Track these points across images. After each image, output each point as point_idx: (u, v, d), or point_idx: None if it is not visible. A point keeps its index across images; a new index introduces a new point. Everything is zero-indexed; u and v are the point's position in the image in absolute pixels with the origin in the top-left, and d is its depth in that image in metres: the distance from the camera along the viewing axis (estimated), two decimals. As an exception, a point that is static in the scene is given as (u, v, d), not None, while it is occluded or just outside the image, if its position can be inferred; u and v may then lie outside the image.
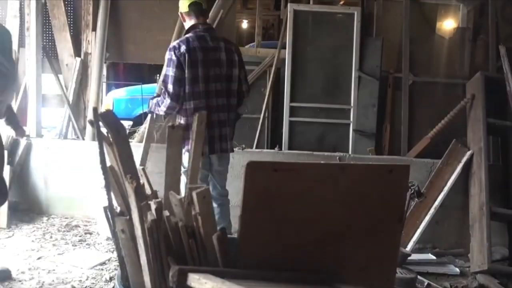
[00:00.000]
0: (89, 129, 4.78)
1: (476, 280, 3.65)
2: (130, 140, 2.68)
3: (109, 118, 1.99)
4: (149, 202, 1.86)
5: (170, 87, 3.16)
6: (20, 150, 4.52)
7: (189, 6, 3.26)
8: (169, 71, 3.17)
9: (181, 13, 3.35)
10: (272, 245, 1.80)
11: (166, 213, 1.87)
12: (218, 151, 3.31)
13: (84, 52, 4.88)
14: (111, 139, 1.99)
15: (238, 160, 4.34)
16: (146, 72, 8.87)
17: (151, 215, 1.78)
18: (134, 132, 4.99)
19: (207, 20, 3.41)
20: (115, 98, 7.83)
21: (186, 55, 3.13)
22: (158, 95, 3.38)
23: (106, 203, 1.98)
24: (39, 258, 3.58)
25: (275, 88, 4.84)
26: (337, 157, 4.37)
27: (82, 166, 4.46)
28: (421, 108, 4.77)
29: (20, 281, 3.19)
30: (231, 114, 3.36)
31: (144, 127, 4.65)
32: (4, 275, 3.17)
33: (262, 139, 4.82)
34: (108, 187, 1.99)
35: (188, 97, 3.18)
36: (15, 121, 3.38)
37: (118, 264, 2.03)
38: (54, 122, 5.32)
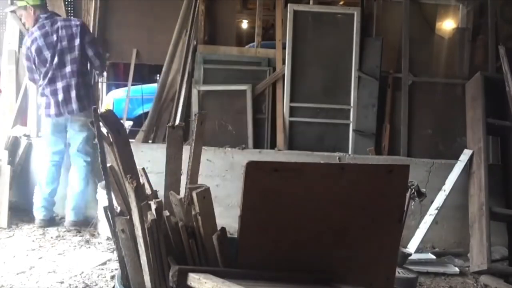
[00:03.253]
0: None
1: (479, 281, 3.66)
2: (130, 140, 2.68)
3: (109, 118, 1.99)
4: (149, 202, 1.86)
5: (28, 75, 4.29)
6: (20, 150, 4.52)
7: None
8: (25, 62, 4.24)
9: (28, 7, 4.16)
10: (272, 245, 1.80)
11: (166, 213, 1.87)
12: (65, 113, 4.08)
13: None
14: (111, 139, 2.00)
15: (238, 160, 4.35)
16: (146, 72, 8.87)
17: (151, 215, 1.79)
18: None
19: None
20: (115, 98, 7.82)
21: (32, 46, 4.05)
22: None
23: (106, 203, 1.99)
24: (39, 258, 3.58)
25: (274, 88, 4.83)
26: (337, 157, 4.37)
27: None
28: (421, 108, 4.76)
29: (20, 281, 3.19)
30: (79, 79, 4.10)
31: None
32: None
33: (262, 139, 4.82)
34: (108, 187, 1.99)
35: (42, 77, 4.12)
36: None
37: (118, 264, 2.03)
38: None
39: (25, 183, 4.57)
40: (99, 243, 3.94)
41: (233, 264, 1.78)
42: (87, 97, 4.18)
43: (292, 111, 4.76)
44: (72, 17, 4.31)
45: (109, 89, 7.44)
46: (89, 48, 4.14)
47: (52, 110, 4.12)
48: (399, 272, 2.91)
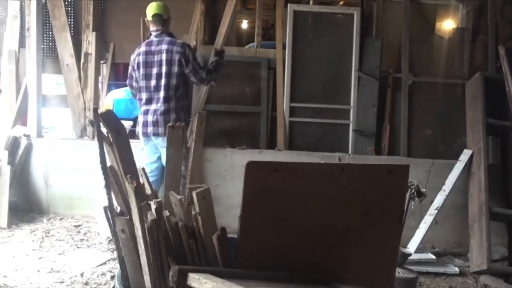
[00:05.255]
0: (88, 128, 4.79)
1: (479, 281, 3.66)
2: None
3: (109, 118, 1.99)
4: (149, 202, 1.86)
5: (127, 80, 4.17)
6: (20, 150, 4.53)
7: (152, 16, 4.00)
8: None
9: (146, 20, 4.08)
10: (272, 245, 1.80)
11: (166, 213, 1.87)
12: (150, 134, 3.94)
13: (84, 52, 4.89)
14: (111, 139, 2.00)
15: (238, 160, 4.35)
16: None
17: (151, 215, 1.79)
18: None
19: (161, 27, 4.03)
20: (115, 98, 7.82)
21: (136, 58, 4.00)
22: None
23: (106, 203, 1.99)
24: (39, 258, 3.58)
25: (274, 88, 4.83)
26: (337, 157, 4.37)
27: (82, 166, 4.46)
28: (421, 108, 4.76)
29: (20, 281, 3.19)
30: (172, 104, 3.92)
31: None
32: None
33: (262, 139, 4.82)
34: (108, 187, 1.99)
35: (139, 90, 4.02)
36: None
37: (118, 264, 2.03)
38: (54, 122, 5.33)
39: (25, 183, 4.58)
40: (99, 243, 3.94)
41: (233, 264, 1.78)
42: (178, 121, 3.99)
43: (292, 111, 4.76)
44: (177, 40, 3.99)
45: (109, 89, 7.44)
46: (191, 76, 3.96)
47: (140, 129, 3.99)
48: (399, 272, 2.91)
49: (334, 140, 4.80)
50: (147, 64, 3.93)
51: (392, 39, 4.88)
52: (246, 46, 6.14)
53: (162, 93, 3.89)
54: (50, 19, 4.89)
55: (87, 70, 4.87)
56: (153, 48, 3.93)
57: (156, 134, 3.90)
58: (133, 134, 4.84)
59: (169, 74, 3.88)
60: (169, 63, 3.87)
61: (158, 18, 3.98)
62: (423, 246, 4.15)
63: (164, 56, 3.88)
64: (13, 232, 4.06)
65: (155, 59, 3.91)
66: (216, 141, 4.60)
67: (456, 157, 4.25)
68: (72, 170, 4.53)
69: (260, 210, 1.77)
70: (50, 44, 5.03)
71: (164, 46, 3.90)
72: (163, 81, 3.88)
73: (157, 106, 3.91)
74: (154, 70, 3.91)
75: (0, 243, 3.83)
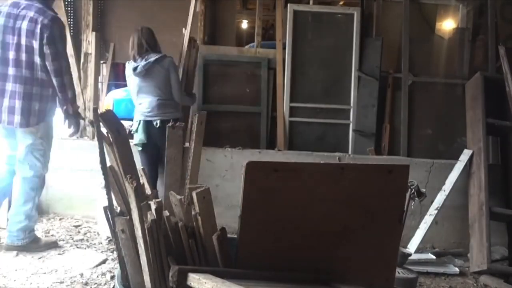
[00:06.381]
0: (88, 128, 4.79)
1: (479, 281, 3.66)
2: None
3: (109, 118, 2.00)
4: (149, 202, 1.86)
5: None
6: (20, 150, 4.52)
7: None
8: None
9: None
10: (272, 245, 1.80)
11: (166, 213, 1.87)
12: (4, 122, 3.28)
13: (84, 52, 4.89)
14: (111, 139, 2.00)
15: (238, 160, 4.35)
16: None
17: (151, 215, 1.79)
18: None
19: None
20: (115, 98, 7.83)
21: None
22: None
23: (106, 203, 1.99)
24: (39, 258, 3.57)
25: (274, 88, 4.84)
26: (337, 157, 4.37)
27: (82, 166, 4.46)
28: (421, 108, 4.77)
29: (20, 281, 3.19)
30: (29, 88, 3.24)
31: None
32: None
33: (262, 139, 4.82)
34: (108, 187, 1.99)
35: None
36: None
37: (118, 264, 2.03)
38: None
39: (25, 183, 4.57)
40: (99, 243, 3.93)
41: (233, 264, 1.78)
42: (40, 113, 3.33)
43: (292, 111, 4.76)
44: (49, 11, 3.23)
45: (109, 89, 7.45)
46: (48, 60, 3.21)
47: None
48: (399, 272, 2.91)
49: (334, 140, 4.80)
50: (5, 30, 3.21)
51: (392, 39, 4.88)
52: (246, 46, 6.14)
53: (21, 71, 3.25)
54: (50, 19, 4.89)
55: (87, 70, 4.87)
56: (16, 11, 3.22)
57: (11, 123, 3.29)
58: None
59: (31, 48, 3.22)
60: (31, 34, 3.19)
61: None
62: (423, 246, 4.15)
63: (25, 25, 3.19)
64: (13, 232, 4.06)
65: (15, 26, 3.19)
66: (216, 141, 4.61)
67: (456, 157, 4.25)
68: (72, 170, 4.52)
69: (260, 210, 1.77)
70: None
71: (29, 12, 3.21)
72: (25, 56, 3.24)
73: (15, 87, 3.25)
74: (11, 39, 3.23)
75: (0, 243, 3.82)
